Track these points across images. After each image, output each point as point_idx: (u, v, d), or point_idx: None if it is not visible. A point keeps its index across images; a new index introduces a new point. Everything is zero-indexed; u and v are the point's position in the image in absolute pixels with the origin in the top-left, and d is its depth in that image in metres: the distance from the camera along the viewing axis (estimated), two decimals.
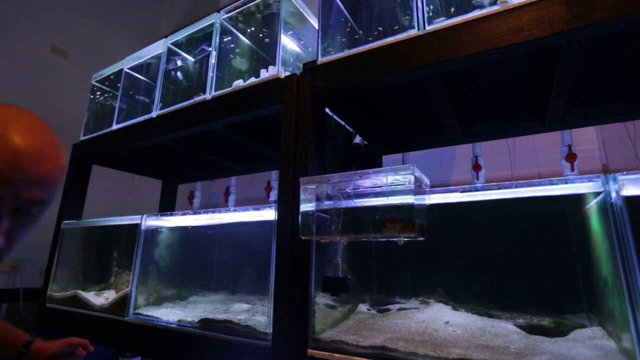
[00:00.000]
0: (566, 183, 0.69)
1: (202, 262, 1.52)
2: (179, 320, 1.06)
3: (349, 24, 1.09)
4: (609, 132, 1.37)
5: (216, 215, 1.17)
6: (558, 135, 1.26)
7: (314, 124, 0.97)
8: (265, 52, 1.34)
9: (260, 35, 1.35)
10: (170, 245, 1.41)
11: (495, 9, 0.76)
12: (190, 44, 1.48)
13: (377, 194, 0.74)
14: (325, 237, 0.79)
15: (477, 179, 1.32)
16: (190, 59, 1.49)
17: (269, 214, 0.97)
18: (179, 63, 1.50)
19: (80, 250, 1.57)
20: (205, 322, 1.00)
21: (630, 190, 0.60)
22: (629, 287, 0.56)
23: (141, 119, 1.42)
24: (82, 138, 1.69)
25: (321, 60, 1.00)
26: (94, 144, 1.61)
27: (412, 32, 0.86)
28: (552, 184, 0.69)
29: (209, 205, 2.36)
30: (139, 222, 1.26)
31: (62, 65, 2.61)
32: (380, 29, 0.98)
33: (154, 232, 1.33)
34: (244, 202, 2.17)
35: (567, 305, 0.88)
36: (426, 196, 0.78)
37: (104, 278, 1.44)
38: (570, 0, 0.68)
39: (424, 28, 0.85)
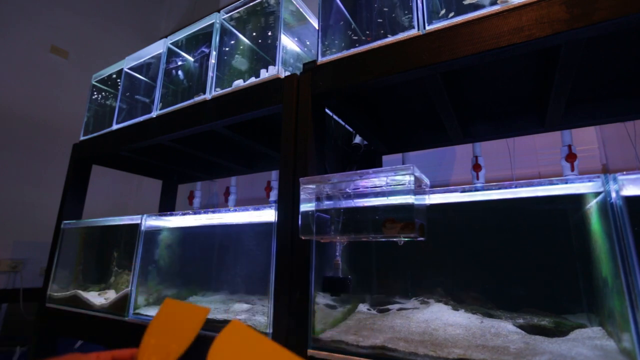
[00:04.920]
0: (566, 183, 0.69)
1: (202, 262, 1.52)
2: None
3: (349, 24, 1.09)
4: (609, 132, 1.37)
5: (216, 215, 1.17)
6: (558, 135, 1.26)
7: (314, 124, 0.97)
8: (265, 52, 1.34)
9: (261, 35, 1.35)
10: (170, 245, 1.41)
11: (495, 8, 0.76)
12: (190, 44, 1.48)
13: (377, 194, 0.74)
14: (325, 237, 0.79)
15: (477, 179, 1.32)
16: (190, 59, 1.49)
17: (269, 214, 0.97)
18: (179, 63, 1.50)
19: (80, 250, 1.57)
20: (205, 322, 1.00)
21: (630, 190, 0.60)
22: (629, 287, 0.56)
23: (141, 119, 1.42)
24: (82, 138, 1.69)
25: (321, 60, 1.00)
26: (94, 144, 1.61)
27: (412, 32, 0.86)
28: (552, 184, 0.69)
29: (209, 205, 2.36)
30: (139, 222, 1.26)
31: (62, 65, 2.61)
32: (381, 31, 0.98)
33: (154, 232, 1.33)
34: (244, 202, 2.17)
35: (567, 305, 0.87)
36: (426, 196, 0.78)
37: (104, 278, 1.44)
38: (570, 0, 0.68)
39: (424, 28, 0.85)
